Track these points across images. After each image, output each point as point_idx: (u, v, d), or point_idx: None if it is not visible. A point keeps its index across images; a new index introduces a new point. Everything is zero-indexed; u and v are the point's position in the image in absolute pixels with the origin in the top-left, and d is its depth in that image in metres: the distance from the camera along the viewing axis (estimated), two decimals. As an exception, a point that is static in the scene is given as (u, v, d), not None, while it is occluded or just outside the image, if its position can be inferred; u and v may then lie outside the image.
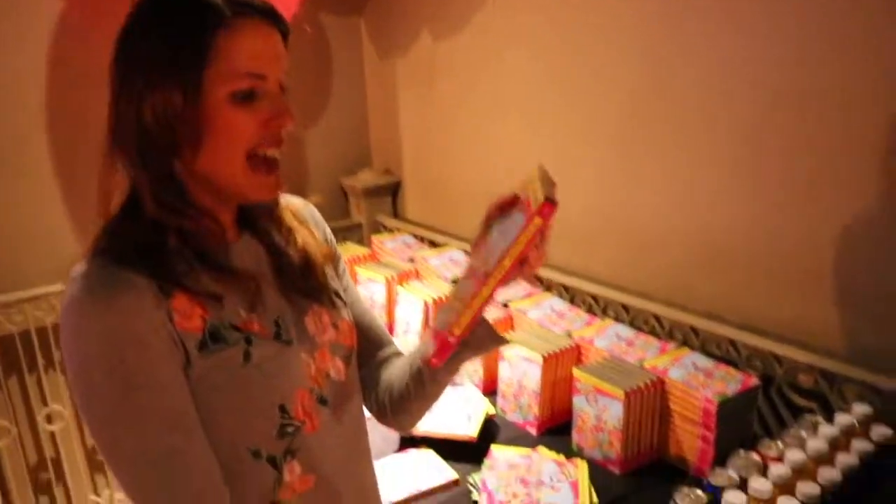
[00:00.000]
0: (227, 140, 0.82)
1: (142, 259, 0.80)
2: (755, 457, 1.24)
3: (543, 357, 1.62)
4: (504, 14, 2.13)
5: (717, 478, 1.18)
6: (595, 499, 1.36)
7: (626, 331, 1.76)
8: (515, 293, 2.00)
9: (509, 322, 1.91)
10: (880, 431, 1.27)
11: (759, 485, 1.09)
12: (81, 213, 2.23)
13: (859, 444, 1.22)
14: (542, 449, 1.55)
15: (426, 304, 1.94)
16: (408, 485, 1.45)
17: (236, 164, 0.83)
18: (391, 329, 2.08)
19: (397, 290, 2.09)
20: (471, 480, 1.46)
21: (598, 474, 1.46)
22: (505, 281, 0.90)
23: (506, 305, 1.95)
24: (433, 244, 2.51)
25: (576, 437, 1.58)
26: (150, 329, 0.78)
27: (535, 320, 1.85)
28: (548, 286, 2.09)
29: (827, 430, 1.24)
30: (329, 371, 0.95)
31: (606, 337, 1.72)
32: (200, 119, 0.80)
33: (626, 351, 1.65)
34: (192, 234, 0.85)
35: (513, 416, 1.72)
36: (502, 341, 0.99)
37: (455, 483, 1.46)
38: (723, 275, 1.69)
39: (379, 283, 2.15)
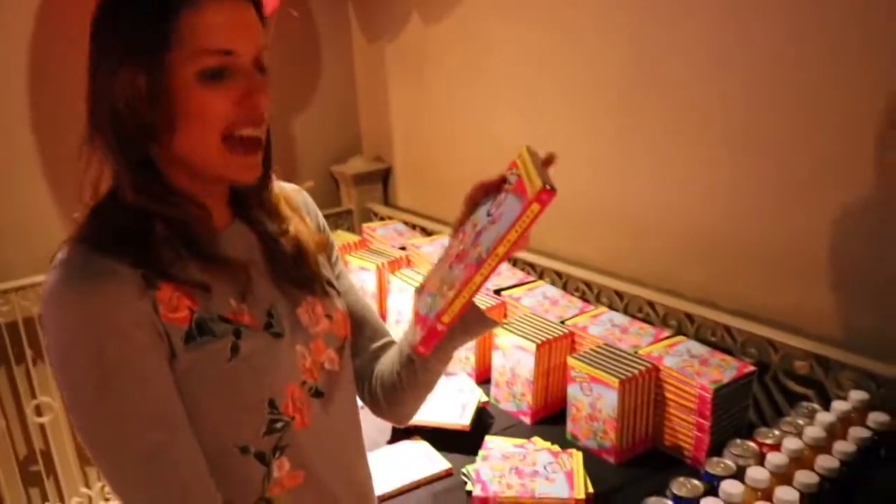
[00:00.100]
0: (200, 121, 0.79)
1: (126, 247, 0.77)
2: (752, 445, 1.23)
3: (537, 345, 1.60)
4: (495, -3, 2.10)
5: (714, 467, 1.17)
6: (591, 489, 1.35)
7: (620, 318, 1.74)
8: (506, 281, 1.99)
9: (502, 309, 1.89)
10: (878, 418, 1.25)
11: (756, 474, 1.08)
12: (68, 203, 2.19)
13: (857, 432, 1.21)
14: (536, 439, 1.54)
15: (418, 293, 1.91)
16: (400, 475, 1.43)
17: (211, 146, 0.80)
18: (383, 318, 2.05)
19: (389, 279, 2.07)
20: (465, 471, 1.44)
21: (593, 464, 1.45)
22: (497, 267, 0.88)
23: (498, 293, 1.93)
24: (425, 231, 2.49)
25: (570, 426, 1.57)
26: (133, 320, 0.75)
27: (527, 307, 1.83)
28: (540, 273, 2.07)
29: (824, 417, 1.23)
30: (324, 363, 0.93)
31: (600, 324, 1.71)
32: (171, 101, 0.77)
33: (620, 338, 1.64)
34: (178, 221, 0.82)
35: (506, 405, 1.71)
36: (492, 324, 0.97)
37: (448, 473, 1.45)
38: (717, 261, 1.67)
39: (370, 271, 2.12)
